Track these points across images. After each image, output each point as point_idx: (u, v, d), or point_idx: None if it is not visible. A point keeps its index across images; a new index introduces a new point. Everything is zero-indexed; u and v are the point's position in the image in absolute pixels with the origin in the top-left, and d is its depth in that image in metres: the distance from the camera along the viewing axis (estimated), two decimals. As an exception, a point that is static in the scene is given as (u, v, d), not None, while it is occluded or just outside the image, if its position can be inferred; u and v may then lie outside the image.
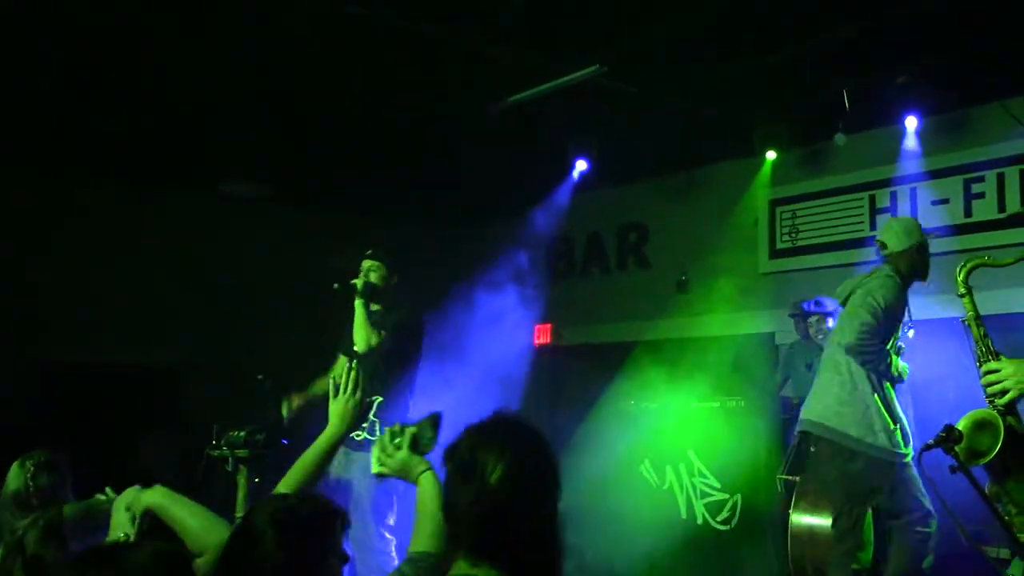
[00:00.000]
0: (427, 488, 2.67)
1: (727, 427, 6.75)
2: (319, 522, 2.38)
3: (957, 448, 2.38)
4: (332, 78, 6.59)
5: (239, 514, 4.42)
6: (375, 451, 2.89)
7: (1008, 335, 6.07)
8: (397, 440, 2.80)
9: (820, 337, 6.69)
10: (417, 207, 9.58)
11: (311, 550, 2.32)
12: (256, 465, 4.51)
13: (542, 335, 9.47)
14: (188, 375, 8.59)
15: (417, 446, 2.82)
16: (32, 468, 4.28)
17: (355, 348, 5.12)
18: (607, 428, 7.92)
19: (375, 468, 2.92)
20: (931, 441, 2.41)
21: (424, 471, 2.72)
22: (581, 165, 8.15)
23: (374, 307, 5.19)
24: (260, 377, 5.73)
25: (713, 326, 8.08)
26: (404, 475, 2.78)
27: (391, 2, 5.48)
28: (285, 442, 4.84)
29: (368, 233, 9.68)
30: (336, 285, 5.08)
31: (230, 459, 4.37)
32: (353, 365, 3.17)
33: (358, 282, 5.12)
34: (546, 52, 6.26)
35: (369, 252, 5.31)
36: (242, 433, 4.34)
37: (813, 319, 6.84)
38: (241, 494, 4.52)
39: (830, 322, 6.61)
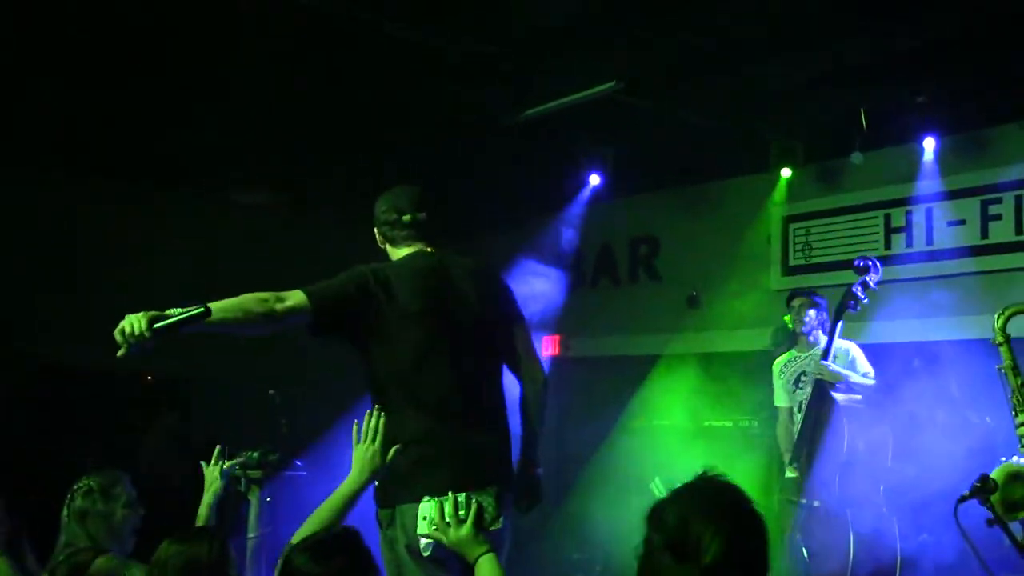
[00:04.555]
0: (486, 572, 2.57)
1: (739, 447, 6.71)
2: None
3: (992, 499, 2.33)
4: (343, 88, 6.56)
5: (252, 535, 4.38)
6: (431, 512, 2.74)
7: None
8: (462, 512, 2.68)
9: (802, 328, 6.28)
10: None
11: None
12: (269, 485, 4.48)
13: (551, 347, 9.42)
14: (195, 385, 8.49)
15: (481, 522, 2.71)
16: None
17: None
18: (617, 442, 7.88)
19: (425, 529, 2.78)
20: (966, 492, 2.36)
21: (484, 554, 2.61)
22: (594, 180, 8.12)
23: None
24: (271, 392, 5.73)
25: (725, 342, 8.02)
26: (461, 551, 2.67)
27: (407, 17, 5.46)
28: (299, 463, 4.84)
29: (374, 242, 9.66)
30: None
31: (243, 479, 4.33)
32: (375, 410, 3.03)
33: None
34: (562, 66, 6.23)
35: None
36: (255, 453, 4.29)
37: (796, 303, 6.42)
38: (253, 513, 4.48)
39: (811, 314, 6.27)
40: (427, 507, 2.84)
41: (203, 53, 5.93)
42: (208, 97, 6.66)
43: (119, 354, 2.83)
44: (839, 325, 5.80)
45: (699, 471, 1.97)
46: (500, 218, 9.38)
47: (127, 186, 8.56)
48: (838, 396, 5.56)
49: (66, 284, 8.00)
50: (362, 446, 2.96)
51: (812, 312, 6.29)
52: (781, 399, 6.37)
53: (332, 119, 7.15)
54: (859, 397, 5.71)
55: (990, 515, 2.35)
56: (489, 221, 9.38)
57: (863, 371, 5.92)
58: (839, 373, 5.75)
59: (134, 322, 2.81)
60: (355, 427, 3.03)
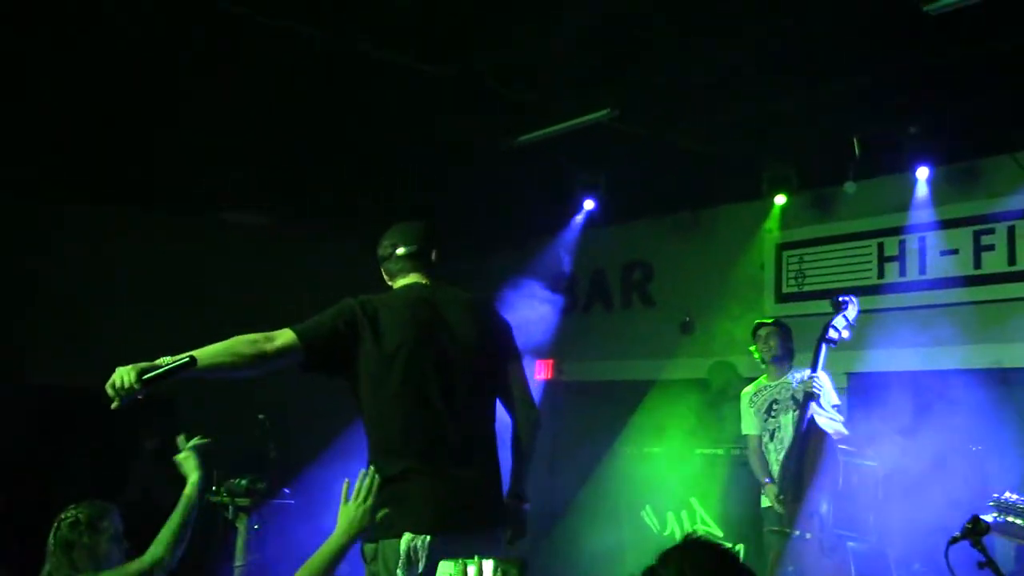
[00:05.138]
0: None
1: (731, 475, 6.67)
2: None
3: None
4: (337, 112, 6.56)
5: (239, 563, 4.36)
6: (455, 573, 2.63)
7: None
8: None
9: (771, 357, 6.25)
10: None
11: None
12: (256, 513, 4.46)
13: (544, 371, 9.40)
14: (184, 403, 8.43)
15: None
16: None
17: None
18: (609, 468, 7.84)
19: None
20: (957, 534, 2.33)
21: None
22: (588, 205, 8.12)
23: None
24: (260, 416, 5.67)
25: (718, 369, 8.01)
26: None
27: (403, 43, 5.46)
28: (287, 491, 4.80)
29: (368, 263, 9.63)
30: None
31: (231, 507, 4.31)
32: (370, 471, 2.94)
33: None
34: (556, 93, 6.23)
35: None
36: (244, 481, 4.28)
37: (762, 332, 6.39)
38: (241, 541, 4.46)
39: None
40: (447, 566, 2.73)
41: (192, 73, 5.93)
42: (200, 118, 6.65)
43: (112, 407, 2.87)
44: (823, 353, 5.71)
45: (684, 534, 2.03)
46: (493, 242, 9.38)
47: (116, 207, 8.56)
48: (824, 425, 5.50)
49: (54, 306, 7.99)
50: (351, 505, 2.87)
51: (779, 341, 6.27)
52: (751, 427, 6.31)
53: (326, 142, 7.15)
54: (844, 429, 5.64)
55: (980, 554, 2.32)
56: (482, 245, 9.38)
57: (832, 403, 5.83)
58: (825, 402, 5.66)
59: (124, 375, 2.85)
60: (346, 485, 2.94)
